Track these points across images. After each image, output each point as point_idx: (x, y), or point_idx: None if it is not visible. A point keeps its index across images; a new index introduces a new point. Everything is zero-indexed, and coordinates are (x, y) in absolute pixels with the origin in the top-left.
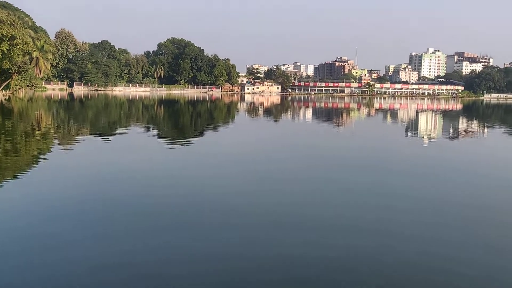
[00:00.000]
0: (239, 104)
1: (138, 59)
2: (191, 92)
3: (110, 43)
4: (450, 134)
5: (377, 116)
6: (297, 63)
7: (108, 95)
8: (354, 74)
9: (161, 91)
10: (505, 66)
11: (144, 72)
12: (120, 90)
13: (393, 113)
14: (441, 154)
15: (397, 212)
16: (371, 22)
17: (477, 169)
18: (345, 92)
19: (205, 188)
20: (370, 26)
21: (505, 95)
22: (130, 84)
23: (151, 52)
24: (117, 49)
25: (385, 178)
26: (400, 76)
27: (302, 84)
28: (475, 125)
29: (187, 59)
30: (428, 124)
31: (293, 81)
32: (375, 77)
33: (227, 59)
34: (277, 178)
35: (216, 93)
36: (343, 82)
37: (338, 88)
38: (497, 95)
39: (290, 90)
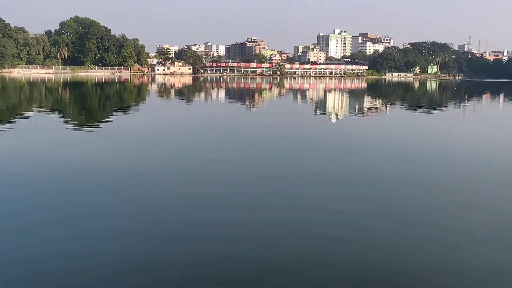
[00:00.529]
0: (149, 85)
1: (38, 39)
2: (98, 73)
3: (4, 21)
4: (357, 111)
5: (288, 96)
6: (208, 43)
7: (5, 78)
8: (265, 54)
9: (66, 73)
10: (404, 46)
11: (46, 53)
12: (19, 72)
13: (303, 92)
14: (348, 130)
15: (299, 185)
16: (280, 2)
17: (378, 143)
18: (257, 72)
19: (104, 171)
20: (280, 6)
21: (405, 73)
22: (31, 66)
23: (53, 32)
24: (13, 27)
25: (296, 154)
26: (309, 57)
27: (214, 64)
28: (379, 102)
29: (93, 39)
30: (336, 103)
31: (204, 61)
32: (285, 58)
33: (136, 39)
34: (172, 158)
35: (125, 74)
36: (254, 62)
37: (249, 69)
38: (398, 74)
39: (202, 71)
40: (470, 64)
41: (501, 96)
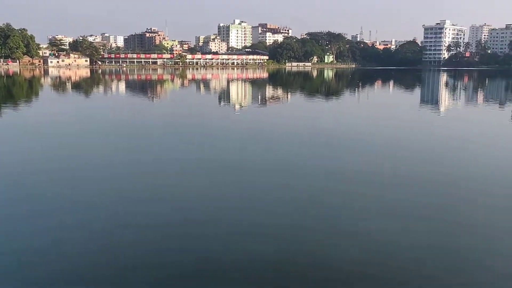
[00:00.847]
0: (42, 79)
1: None
2: None
3: None
4: (260, 100)
5: (191, 87)
6: (106, 34)
7: None
8: (166, 45)
9: None
10: (302, 37)
11: None
12: None
13: (206, 83)
14: (251, 118)
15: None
16: None
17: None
18: (158, 63)
19: None
20: None
21: (304, 63)
22: None
23: None
24: None
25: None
26: (210, 47)
27: (113, 56)
28: (280, 91)
29: None
30: (240, 92)
31: (102, 53)
32: (187, 48)
33: (24, 29)
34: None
35: (13, 67)
36: (155, 53)
37: (150, 60)
38: (297, 63)
39: (100, 63)
40: (363, 53)
41: (391, 83)
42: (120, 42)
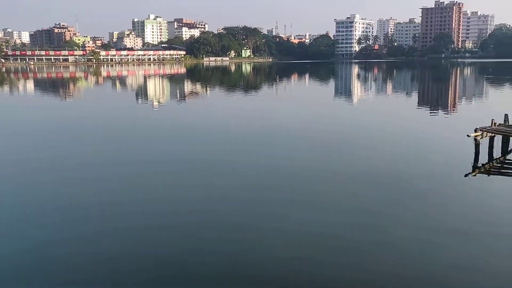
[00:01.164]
0: None
1: None
2: None
3: None
4: (179, 96)
5: (106, 84)
6: (8, 30)
7: None
8: (77, 41)
9: None
10: (219, 31)
11: None
12: None
13: (122, 80)
14: (169, 116)
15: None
16: None
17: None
18: (69, 60)
19: None
20: None
21: (221, 58)
22: None
23: None
24: None
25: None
26: (125, 43)
27: (18, 53)
28: (199, 86)
29: None
30: (157, 89)
31: (5, 49)
32: (100, 44)
33: None
34: None
35: None
36: (65, 50)
37: (61, 57)
38: (215, 58)
39: (3, 60)
40: (279, 47)
41: (307, 76)
42: (26, 38)
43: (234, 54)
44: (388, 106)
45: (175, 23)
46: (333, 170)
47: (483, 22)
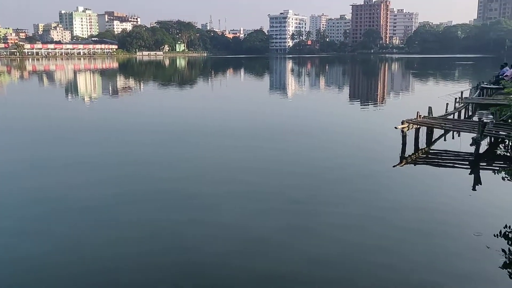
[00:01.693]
0: None
1: None
2: None
3: None
4: (111, 92)
5: (31, 79)
6: None
7: None
8: None
9: None
10: (152, 25)
11: None
12: None
13: (50, 75)
14: (100, 113)
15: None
16: None
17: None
18: None
19: None
20: None
21: (155, 52)
22: None
23: None
24: None
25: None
26: (52, 36)
27: None
28: (132, 81)
29: None
30: (88, 84)
31: None
32: (24, 37)
33: None
34: None
35: None
36: None
37: None
38: (148, 52)
39: None
40: (214, 42)
41: (242, 70)
42: None
43: (168, 48)
44: (321, 101)
45: (106, 16)
46: (265, 165)
47: (409, 19)
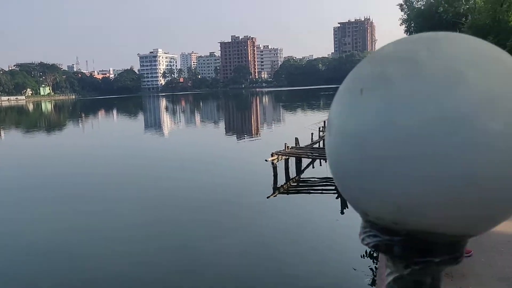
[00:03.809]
0: None
1: None
2: None
3: None
4: None
5: None
6: None
7: None
8: None
9: None
10: (10, 68)
11: None
12: None
13: None
14: None
15: None
16: None
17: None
18: None
19: None
20: None
21: (16, 97)
22: None
23: None
24: None
25: None
26: None
27: None
28: None
29: None
30: None
31: None
32: None
33: None
34: None
35: None
36: None
37: None
38: (8, 97)
39: None
40: (82, 83)
41: (115, 111)
42: None
43: (31, 92)
44: (197, 136)
45: None
46: (140, 201)
47: (274, 54)
